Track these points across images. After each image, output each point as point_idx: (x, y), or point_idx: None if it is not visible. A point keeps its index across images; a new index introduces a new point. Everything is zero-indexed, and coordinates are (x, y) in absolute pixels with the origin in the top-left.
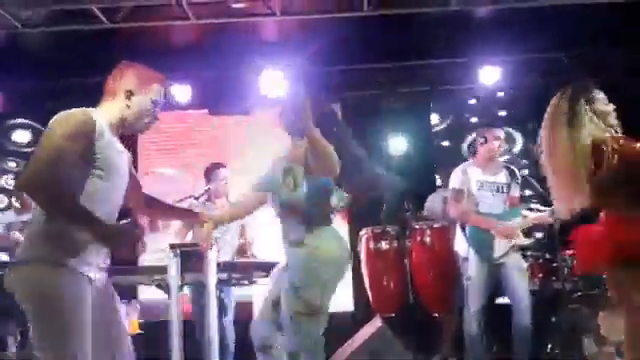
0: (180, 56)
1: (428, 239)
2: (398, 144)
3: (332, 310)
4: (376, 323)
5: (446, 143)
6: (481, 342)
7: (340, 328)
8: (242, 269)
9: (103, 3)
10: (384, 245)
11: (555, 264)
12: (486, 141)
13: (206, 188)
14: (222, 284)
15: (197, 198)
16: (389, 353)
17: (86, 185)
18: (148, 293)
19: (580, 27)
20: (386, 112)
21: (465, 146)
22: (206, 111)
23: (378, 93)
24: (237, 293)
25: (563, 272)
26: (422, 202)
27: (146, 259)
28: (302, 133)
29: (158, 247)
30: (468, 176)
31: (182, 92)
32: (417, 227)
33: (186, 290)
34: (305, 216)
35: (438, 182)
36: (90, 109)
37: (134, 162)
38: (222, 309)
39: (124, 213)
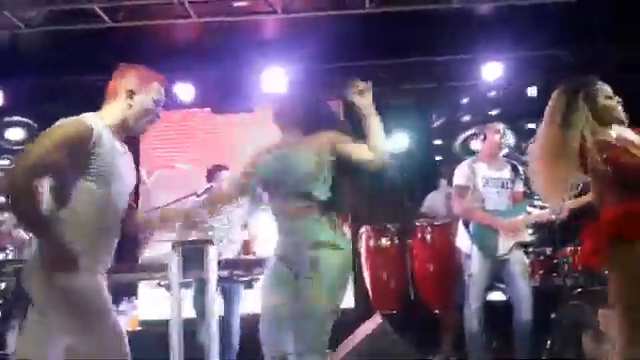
0: (182, 55)
1: (429, 236)
2: (400, 141)
3: None
4: (376, 320)
5: (438, 142)
6: (481, 338)
7: (340, 325)
8: (243, 266)
9: (104, 2)
10: (384, 242)
11: (556, 260)
12: (486, 137)
13: (208, 186)
14: (224, 281)
15: (199, 195)
16: (389, 350)
17: (81, 192)
18: (148, 290)
19: (582, 24)
20: (388, 109)
21: (457, 145)
22: (209, 109)
23: (380, 90)
24: None
25: (564, 268)
26: (423, 199)
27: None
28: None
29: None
30: (474, 172)
31: (185, 91)
32: (418, 224)
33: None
34: (333, 214)
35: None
36: (89, 115)
37: (136, 161)
38: (227, 306)
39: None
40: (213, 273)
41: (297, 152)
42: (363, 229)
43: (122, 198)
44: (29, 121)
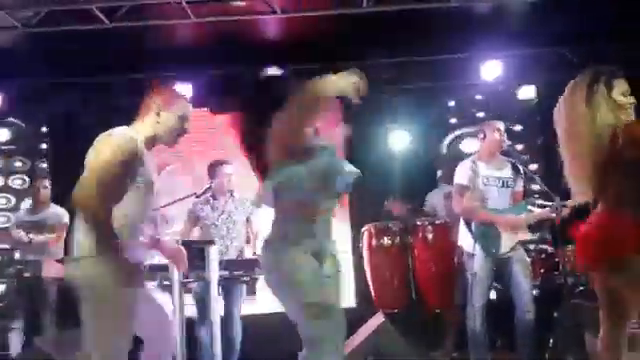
0: (180, 55)
1: (430, 235)
2: (399, 140)
3: None
4: (378, 318)
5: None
6: (484, 337)
7: None
8: (243, 266)
9: (102, 2)
10: (386, 241)
11: (557, 259)
12: (485, 135)
13: (208, 186)
14: (225, 281)
15: (199, 196)
16: (391, 349)
17: (129, 198)
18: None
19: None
20: (387, 108)
21: (444, 146)
22: (207, 110)
23: (379, 89)
24: None
25: (565, 267)
26: (424, 197)
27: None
28: None
29: None
30: (475, 171)
31: (183, 91)
32: (419, 223)
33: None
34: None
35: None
36: (131, 130)
37: None
38: (228, 307)
39: None
40: (214, 273)
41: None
42: (365, 228)
43: (154, 198)
44: (17, 121)
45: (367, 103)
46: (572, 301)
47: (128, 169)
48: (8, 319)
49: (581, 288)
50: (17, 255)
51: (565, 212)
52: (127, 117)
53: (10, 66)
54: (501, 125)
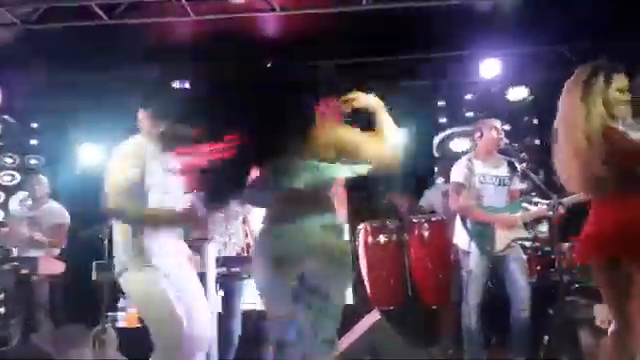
0: (179, 53)
1: (426, 233)
2: (399, 138)
3: None
4: (375, 316)
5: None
6: (479, 335)
7: None
8: (241, 263)
9: None
10: (382, 239)
11: (553, 257)
12: (482, 133)
13: None
14: (224, 278)
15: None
16: (387, 346)
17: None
18: None
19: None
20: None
21: (434, 145)
22: None
23: (377, 87)
24: None
25: (561, 265)
26: (421, 195)
27: None
28: None
29: None
30: (472, 169)
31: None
32: (415, 221)
33: None
34: None
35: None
36: (139, 136)
37: None
38: (226, 303)
39: None
40: (212, 270)
41: None
42: (361, 226)
43: (173, 195)
44: (6, 117)
45: None
46: (567, 298)
47: (136, 175)
48: (6, 316)
49: (577, 286)
50: (15, 252)
51: (561, 210)
52: (124, 114)
53: (9, 62)
54: (497, 123)
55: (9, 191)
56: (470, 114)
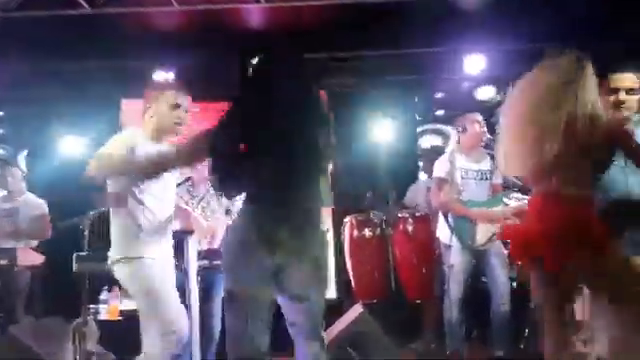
0: (162, 42)
1: (410, 227)
2: (382, 132)
3: None
4: (357, 309)
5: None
6: (461, 328)
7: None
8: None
9: None
10: (367, 233)
11: None
12: (465, 128)
13: (187, 176)
14: (205, 271)
15: (179, 184)
16: (370, 339)
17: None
18: None
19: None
20: (370, 100)
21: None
22: (189, 97)
23: (362, 81)
24: None
25: None
26: (405, 190)
27: None
28: None
29: None
30: (454, 164)
31: (165, 79)
32: (400, 215)
33: None
34: None
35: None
36: (134, 128)
37: None
38: (206, 297)
39: None
40: (193, 263)
41: None
42: (347, 220)
43: (168, 185)
44: None
45: (350, 95)
46: None
47: (118, 163)
48: None
49: None
50: None
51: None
52: (104, 104)
53: None
54: (479, 117)
55: None
56: (441, 111)
